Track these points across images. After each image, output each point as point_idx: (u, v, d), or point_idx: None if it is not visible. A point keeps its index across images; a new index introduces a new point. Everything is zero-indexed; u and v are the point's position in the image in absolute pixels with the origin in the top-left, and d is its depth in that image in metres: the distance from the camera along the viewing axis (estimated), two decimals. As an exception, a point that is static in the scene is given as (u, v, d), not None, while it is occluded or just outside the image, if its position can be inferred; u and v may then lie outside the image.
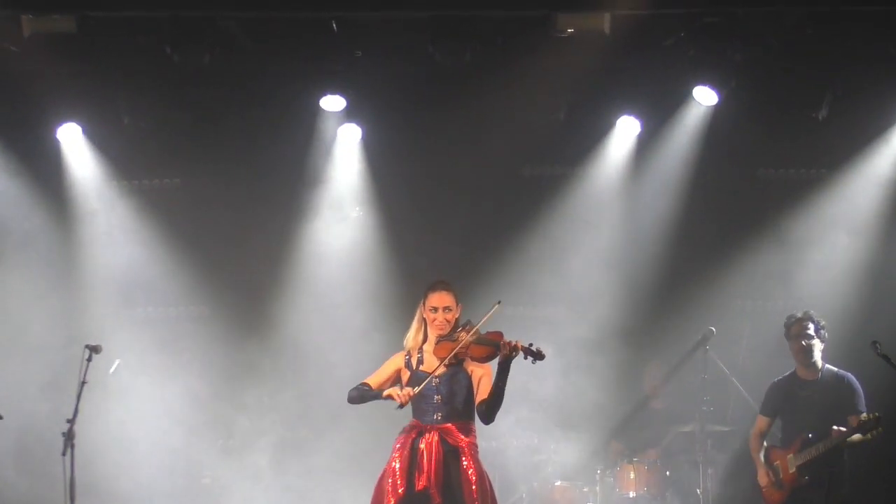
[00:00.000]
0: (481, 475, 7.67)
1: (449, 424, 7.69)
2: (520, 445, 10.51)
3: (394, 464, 7.70)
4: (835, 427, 8.75)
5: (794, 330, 9.13)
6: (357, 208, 11.26)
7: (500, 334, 7.58)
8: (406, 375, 7.79)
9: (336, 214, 11.23)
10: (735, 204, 11.11)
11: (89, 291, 10.78)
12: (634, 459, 10.55)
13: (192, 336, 10.85)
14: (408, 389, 7.60)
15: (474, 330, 7.62)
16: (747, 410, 10.14)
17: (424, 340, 7.87)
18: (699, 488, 10.08)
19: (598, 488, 10.50)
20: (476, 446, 7.75)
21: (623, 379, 10.98)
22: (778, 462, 9.08)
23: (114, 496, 10.13)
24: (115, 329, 10.23)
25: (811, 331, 9.08)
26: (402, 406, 7.61)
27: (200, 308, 10.98)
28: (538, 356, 7.48)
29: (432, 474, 7.59)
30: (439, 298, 7.80)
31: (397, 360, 7.89)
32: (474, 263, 10.83)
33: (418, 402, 7.73)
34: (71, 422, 8.02)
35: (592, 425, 10.66)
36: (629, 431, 10.78)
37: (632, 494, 10.49)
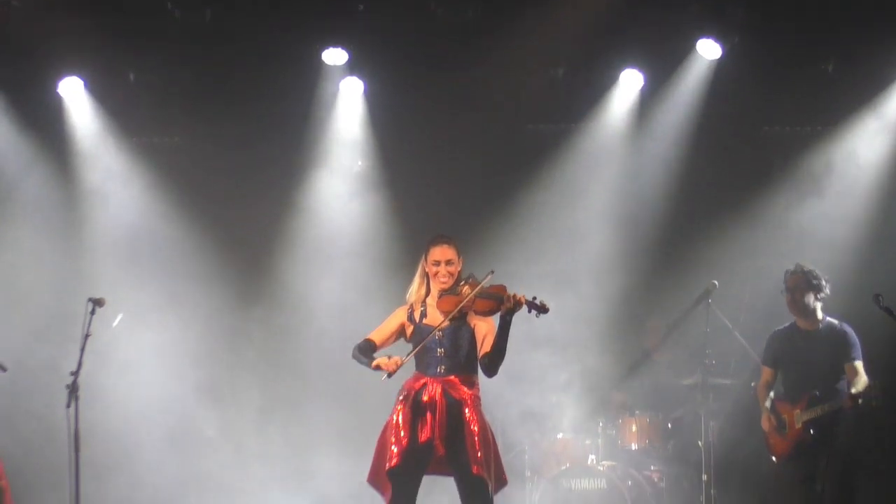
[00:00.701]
0: (484, 427, 7.71)
1: (452, 377, 7.72)
2: (521, 399, 10.53)
3: (397, 416, 7.72)
4: (850, 391, 8.78)
5: (790, 283, 9.16)
6: (359, 162, 11.24)
7: (504, 288, 7.59)
8: (409, 329, 7.82)
9: (338, 169, 11.21)
10: (738, 159, 11.08)
11: (91, 246, 10.79)
12: (636, 412, 10.59)
13: (193, 292, 10.85)
14: (396, 358, 7.59)
15: (478, 284, 7.64)
16: (749, 363, 10.16)
17: (427, 294, 7.89)
18: (701, 441, 10.10)
19: (599, 441, 10.53)
20: (479, 399, 7.78)
21: (625, 334, 11.00)
22: (785, 416, 9.11)
23: (116, 448, 10.17)
24: (118, 284, 10.23)
25: (804, 284, 9.08)
26: (390, 375, 7.61)
27: (202, 264, 10.97)
28: (542, 309, 7.50)
29: (436, 426, 7.63)
30: (441, 252, 7.81)
31: (400, 315, 7.91)
32: (476, 218, 10.82)
33: (422, 356, 7.75)
34: (75, 374, 8.07)
35: (594, 380, 10.67)
36: (631, 384, 10.81)
37: (634, 447, 10.54)
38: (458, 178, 11.09)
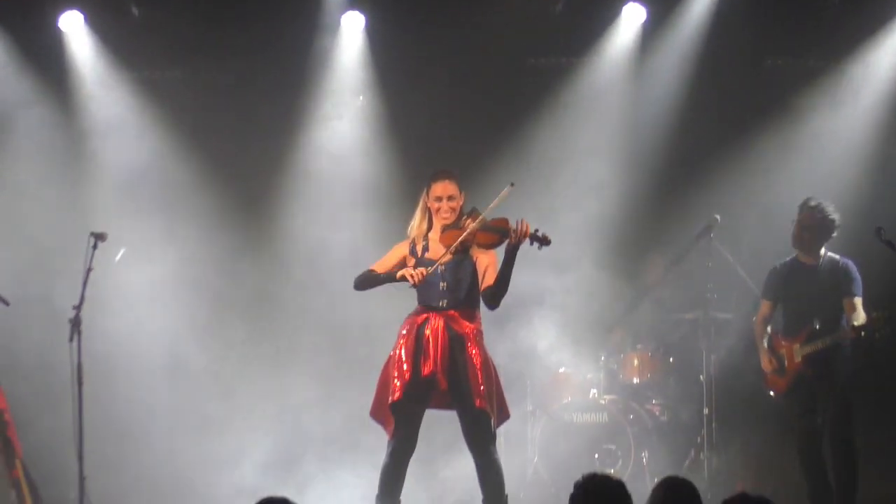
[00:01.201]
0: (486, 360, 7.73)
1: (454, 311, 7.74)
2: (523, 334, 10.55)
3: (399, 350, 7.75)
4: (854, 324, 8.76)
5: (804, 219, 9.01)
6: (360, 97, 11.20)
7: (506, 221, 7.59)
8: (411, 263, 7.83)
9: (339, 103, 11.17)
10: (742, 93, 11.02)
11: (92, 181, 10.75)
12: (638, 346, 10.62)
13: (195, 227, 10.84)
14: (420, 269, 7.64)
15: (480, 217, 7.63)
16: (751, 298, 10.15)
17: (429, 229, 7.89)
18: (702, 375, 10.14)
19: (601, 375, 10.57)
20: (481, 333, 7.81)
21: (627, 268, 10.99)
22: (783, 350, 9.10)
23: (118, 382, 10.19)
24: (119, 218, 10.22)
25: (818, 227, 9.02)
26: (415, 286, 7.65)
27: (203, 200, 10.95)
28: (544, 241, 7.50)
29: (439, 359, 7.65)
30: (443, 188, 7.81)
31: (402, 249, 7.92)
32: (478, 154, 10.78)
33: (424, 290, 7.77)
34: (77, 308, 8.08)
35: (594, 314, 10.68)
36: (632, 319, 10.82)
37: (635, 381, 10.59)
38: (458, 112, 11.04)
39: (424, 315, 7.77)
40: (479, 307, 7.84)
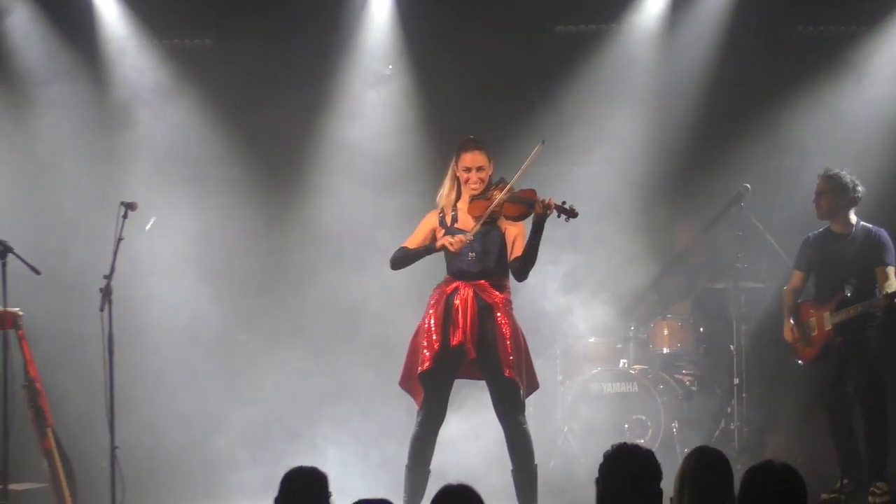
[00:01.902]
0: (515, 330, 7.72)
1: (483, 281, 7.73)
2: (553, 304, 10.54)
3: (428, 321, 7.75)
4: (886, 292, 8.71)
5: (817, 187, 9.07)
6: (390, 66, 11.16)
7: (534, 192, 7.57)
8: (440, 233, 7.82)
9: (368, 72, 11.15)
10: (772, 61, 10.93)
11: (123, 151, 10.75)
12: (668, 316, 10.59)
13: (224, 196, 10.85)
14: (459, 236, 7.64)
15: (508, 188, 7.61)
16: (781, 267, 10.12)
17: (458, 199, 7.88)
18: (732, 345, 10.12)
19: (631, 345, 10.56)
20: (510, 303, 7.80)
21: (656, 237, 10.94)
22: (813, 319, 9.08)
23: (148, 351, 10.22)
24: (149, 188, 10.22)
25: (830, 188, 8.99)
26: (456, 252, 7.64)
27: (233, 169, 10.95)
28: (571, 214, 7.48)
29: (468, 329, 7.65)
30: (472, 158, 7.79)
31: (431, 220, 7.92)
32: (506, 121, 10.73)
33: (453, 260, 7.76)
34: (108, 277, 8.09)
35: (625, 284, 10.65)
36: (662, 288, 10.79)
37: (665, 351, 10.57)
38: (487, 80, 10.98)
39: (454, 285, 7.77)
40: (508, 276, 7.83)
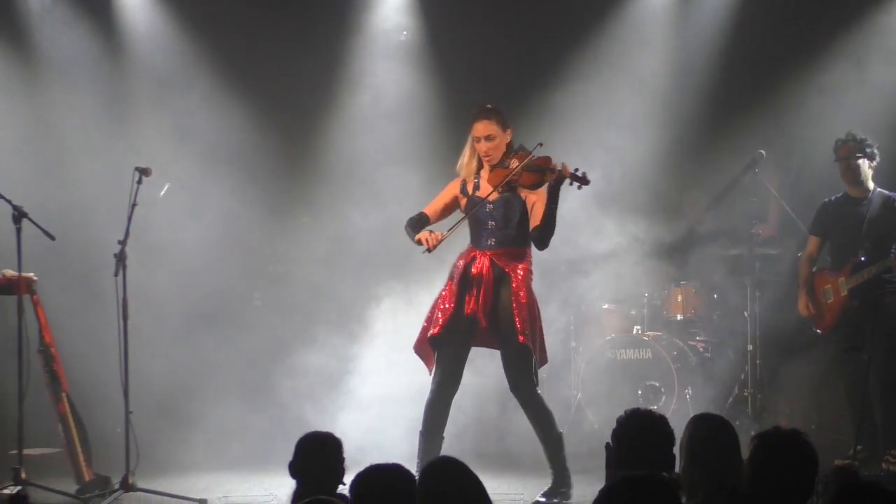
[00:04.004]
0: (530, 301, 7.74)
1: (502, 250, 7.74)
2: (566, 270, 10.54)
3: (447, 288, 7.82)
4: (893, 252, 8.69)
5: (842, 152, 9.06)
6: (404, 32, 11.14)
7: (549, 159, 7.57)
8: (463, 202, 7.88)
9: (383, 39, 11.12)
10: (787, 26, 10.86)
11: (137, 116, 10.76)
12: (682, 282, 10.57)
13: (241, 160, 10.84)
14: (437, 233, 7.63)
15: (525, 157, 7.60)
16: (796, 233, 10.10)
17: (480, 167, 7.87)
18: (746, 311, 10.10)
19: (645, 311, 10.55)
20: (529, 272, 7.82)
21: (671, 204, 10.91)
22: (829, 286, 9.07)
23: (164, 317, 10.24)
24: (164, 154, 10.22)
25: (857, 151, 9.00)
26: (429, 251, 7.64)
27: (249, 134, 10.93)
28: (583, 181, 7.48)
29: (480, 297, 7.67)
30: (483, 128, 7.80)
31: (454, 187, 7.96)
32: (522, 88, 10.72)
33: (474, 228, 7.81)
34: (122, 243, 8.09)
35: (638, 252, 10.63)
36: (676, 255, 10.76)
37: (679, 317, 10.55)
38: (501, 48, 10.96)
39: (473, 253, 7.79)
40: (528, 245, 7.83)
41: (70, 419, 8.37)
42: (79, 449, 8.34)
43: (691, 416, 5.45)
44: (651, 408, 7.12)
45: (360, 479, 4.66)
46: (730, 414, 9.46)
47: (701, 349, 10.51)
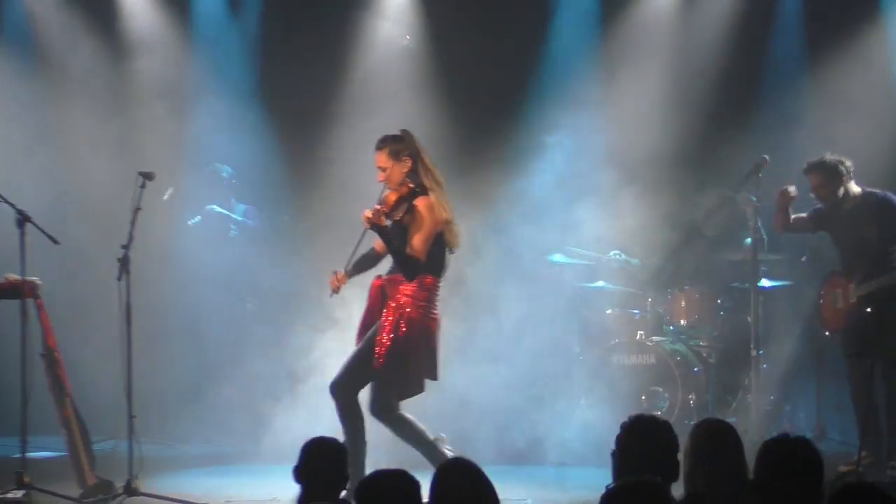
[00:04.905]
0: (403, 324, 7.74)
1: (393, 276, 7.87)
2: (571, 274, 10.53)
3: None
4: None
5: (811, 183, 9.11)
6: (406, 37, 11.14)
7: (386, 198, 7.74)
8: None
9: (385, 44, 11.13)
10: (793, 33, 10.86)
11: (142, 120, 10.78)
12: (686, 287, 10.55)
13: (244, 168, 10.85)
14: (340, 274, 7.93)
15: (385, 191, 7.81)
16: (801, 239, 10.08)
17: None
18: (750, 316, 10.07)
19: (648, 317, 10.53)
20: (411, 297, 7.79)
21: (675, 208, 10.87)
22: (840, 290, 9.08)
23: (166, 320, 10.24)
24: (166, 159, 10.23)
25: (823, 183, 8.98)
26: (335, 293, 8.02)
27: (253, 137, 10.93)
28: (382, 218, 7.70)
29: (362, 317, 7.91)
30: (375, 159, 7.94)
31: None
32: (523, 92, 10.72)
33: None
34: (126, 248, 8.10)
35: (641, 255, 10.62)
36: (680, 260, 10.74)
37: (682, 322, 10.53)
38: (502, 52, 10.96)
39: (374, 281, 7.98)
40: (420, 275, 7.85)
41: (73, 423, 8.35)
42: (82, 453, 8.33)
43: (695, 421, 5.44)
44: (654, 413, 7.11)
45: (364, 483, 4.66)
46: (734, 420, 9.43)
47: (705, 354, 10.49)
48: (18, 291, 8.17)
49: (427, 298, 7.82)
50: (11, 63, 10.74)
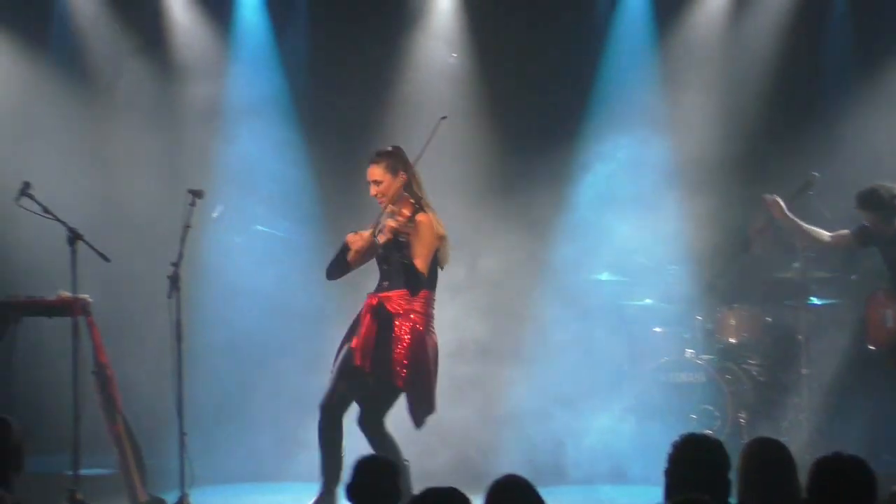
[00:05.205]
0: (419, 343, 7.75)
1: (391, 292, 7.81)
2: (618, 292, 10.51)
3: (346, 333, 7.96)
4: None
5: (866, 219, 9.09)
6: (453, 54, 11.15)
7: (397, 215, 7.74)
8: (373, 243, 7.96)
9: (432, 61, 11.15)
10: (842, 46, 10.80)
11: (192, 137, 10.85)
12: (734, 305, 10.49)
13: (290, 186, 10.89)
14: (360, 233, 7.91)
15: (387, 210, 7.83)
16: (851, 256, 10.01)
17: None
18: (801, 334, 10.02)
19: (697, 334, 10.47)
20: (420, 313, 7.81)
21: (725, 227, 10.80)
22: (890, 311, 9.04)
23: (215, 338, 10.28)
24: (213, 177, 10.28)
25: (880, 219, 8.96)
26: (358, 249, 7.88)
27: (301, 154, 10.97)
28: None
29: (361, 337, 7.76)
30: (370, 172, 7.97)
31: (367, 231, 8.00)
32: (575, 107, 10.71)
33: (379, 271, 7.96)
34: (176, 265, 8.15)
35: (690, 274, 10.57)
36: (729, 277, 10.68)
37: (732, 341, 10.46)
38: (553, 70, 10.95)
39: (368, 298, 7.91)
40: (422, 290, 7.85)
41: (125, 440, 8.42)
42: (134, 470, 8.38)
43: (746, 440, 5.41)
44: (705, 432, 7.07)
45: (417, 501, 4.66)
46: (786, 439, 9.37)
47: (755, 373, 10.42)
48: (70, 309, 8.26)
49: (430, 314, 7.87)
50: (59, 82, 10.83)
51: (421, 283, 7.74)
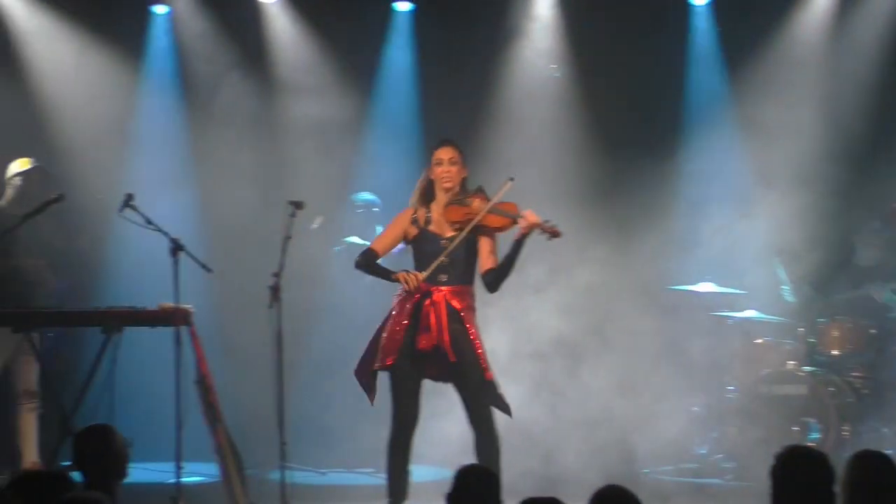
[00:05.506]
0: (480, 338, 7.68)
1: (452, 287, 7.68)
2: (718, 303, 10.41)
3: (394, 322, 7.72)
4: None
5: None
6: (553, 65, 11.15)
7: (516, 206, 7.58)
8: (413, 232, 7.79)
9: (533, 75, 11.16)
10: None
11: (292, 149, 10.95)
12: (837, 317, 10.35)
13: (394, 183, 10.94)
14: (416, 274, 7.59)
15: (489, 199, 7.61)
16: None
17: (430, 200, 7.81)
18: (906, 347, 9.88)
19: (799, 346, 10.36)
20: (474, 310, 7.74)
21: (828, 239, 10.66)
22: None
23: (313, 349, 10.33)
24: (312, 189, 10.33)
25: None
26: (410, 292, 7.59)
27: (388, 160, 11.00)
28: (553, 234, 7.50)
29: (444, 333, 7.59)
30: (445, 151, 7.76)
31: (402, 220, 7.87)
32: (673, 121, 10.67)
33: (424, 263, 7.72)
34: (277, 275, 8.21)
35: (793, 286, 10.44)
36: (833, 289, 10.54)
37: (835, 353, 10.33)
38: (649, 79, 10.91)
39: (423, 289, 7.65)
40: (473, 284, 7.77)
41: (226, 450, 8.48)
42: (235, 479, 8.44)
43: (850, 453, 5.34)
44: (808, 444, 6.98)
45: None
46: (891, 452, 9.20)
47: (858, 385, 10.28)
48: (172, 319, 8.35)
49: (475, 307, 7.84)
50: (159, 95, 10.99)
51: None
